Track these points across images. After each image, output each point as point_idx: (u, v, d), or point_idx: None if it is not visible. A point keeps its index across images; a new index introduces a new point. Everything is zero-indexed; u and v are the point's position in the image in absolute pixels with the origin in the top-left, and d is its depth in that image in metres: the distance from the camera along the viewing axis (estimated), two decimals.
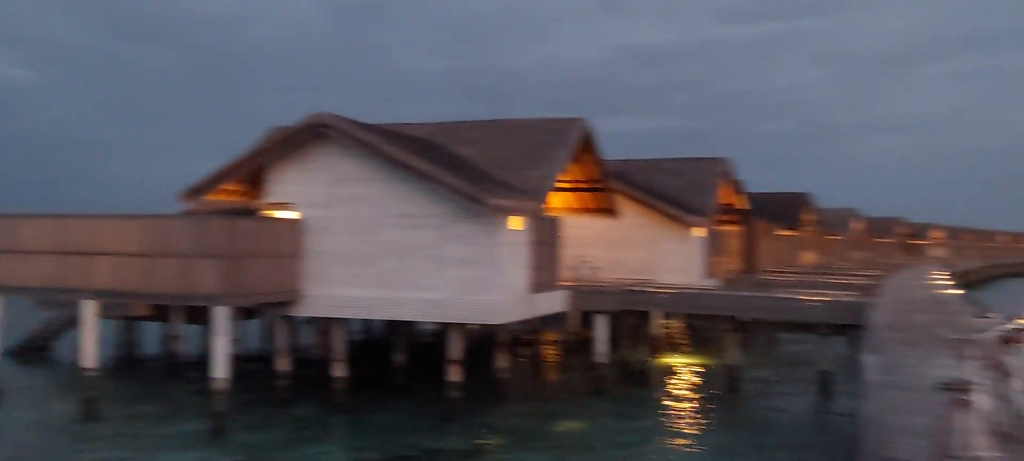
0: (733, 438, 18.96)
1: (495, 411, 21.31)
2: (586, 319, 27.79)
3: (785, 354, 32.49)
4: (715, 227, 36.37)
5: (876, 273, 44.05)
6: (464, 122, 27.98)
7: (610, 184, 29.24)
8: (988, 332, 7.38)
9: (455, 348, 21.06)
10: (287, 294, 21.21)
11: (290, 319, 22.34)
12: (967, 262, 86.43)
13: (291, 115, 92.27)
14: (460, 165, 22.88)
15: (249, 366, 25.73)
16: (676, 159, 38.91)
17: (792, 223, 54.49)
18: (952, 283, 40.48)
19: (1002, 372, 7.99)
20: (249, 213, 21.89)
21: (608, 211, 29.76)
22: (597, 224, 30.99)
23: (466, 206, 20.32)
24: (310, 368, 25.21)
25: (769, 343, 34.59)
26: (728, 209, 41.18)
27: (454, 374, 21.00)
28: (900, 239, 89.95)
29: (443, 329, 22.84)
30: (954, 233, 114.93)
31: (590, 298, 25.44)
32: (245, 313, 25.80)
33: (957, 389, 6.64)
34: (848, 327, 22.99)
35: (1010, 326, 8.03)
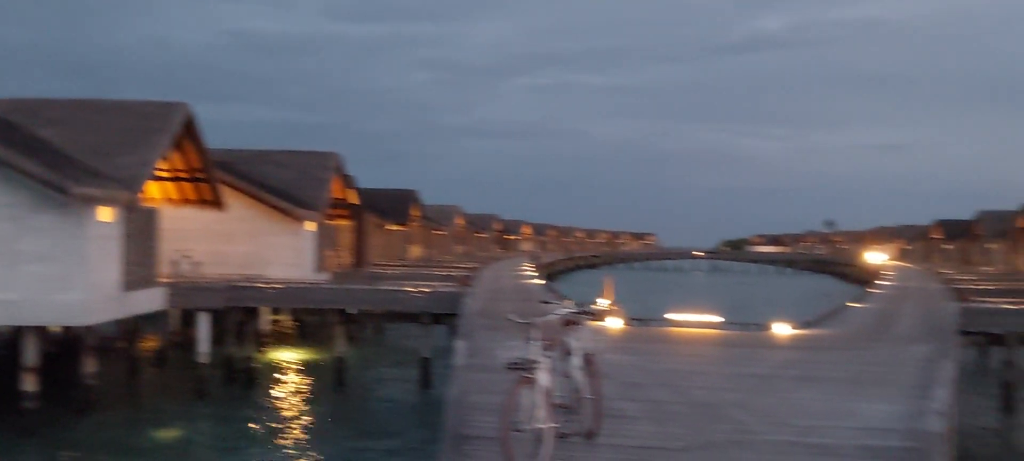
0: (339, 431, 19.27)
1: (80, 423, 19.40)
2: (187, 317, 26.39)
3: (392, 345, 33.70)
4: (326, 221, 36.58)
5: (474, 265, 47.41)
6: (48, 100, 25.10)
7: (215, 175, 28.05)
8: (551, 316, 8.34)
9: (31, 354, 18.82)
10: None
11: None
12: (550, 255, 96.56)
13: None
14: (41, 149, 20.46)
15: None
16: (287, 151, 38.45)
17: (401, 218, 56.62)
18: (536, 274, 44.99)
19: (563, 351, 9.08)
20: None
21: (213, 203, 28.53)
22: (200, 216, 29.55)
23: (46, 195, 18.24)
24: None
25: (377, 334, 35.62)
26: (339, 204, 41.63)
27: (30, 384, 18.76)
28: (496, 234, 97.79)
29: (17, 333, 20.30)
30: (540, 229, 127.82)
31: (191, 295, 24.21)
32: None
33: (521, 368, 7.45)
34: (447, 316, 24.50)
35: (571, 310, 9.16)
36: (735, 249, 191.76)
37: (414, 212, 61.10)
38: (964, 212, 77.37)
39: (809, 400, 11.11)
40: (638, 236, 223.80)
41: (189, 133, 25.41)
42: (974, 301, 26.95)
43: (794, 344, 17.61)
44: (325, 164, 37.11)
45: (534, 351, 7.60)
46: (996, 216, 67.11)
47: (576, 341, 8.87)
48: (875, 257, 71.86)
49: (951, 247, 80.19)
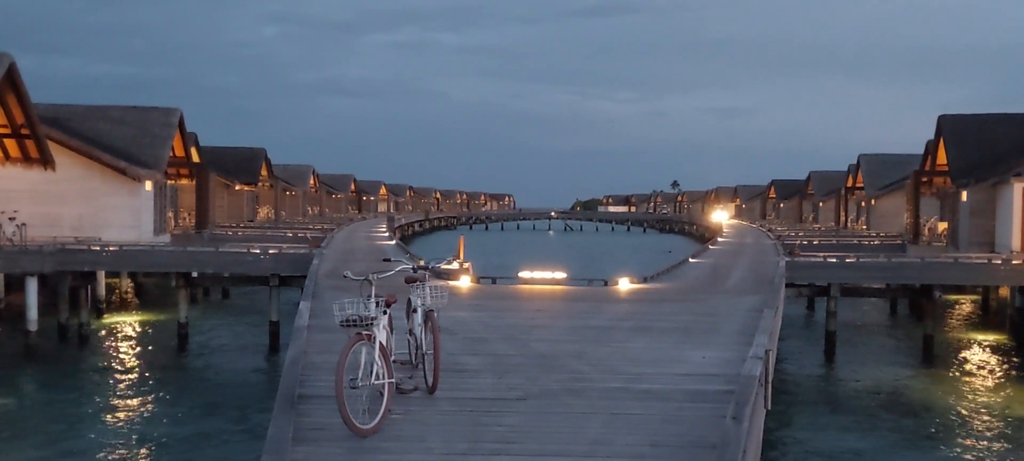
0: (180, 396, 18.65)
1: None
2: (13, 283, 24.77)
3: (240, 308, 32.78)
4: (167, 181, 34.98)
5: (327, 227, 46.63)
6: None
7: (42, 131, 26.28)
8: (389, 273, 8.39)
9: None
10: None
11: None
12: (407, 216, 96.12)
13: None
14: None
15: None
16: (123, 107, 36.45)
17: (249, 178, 54.87)
18: (391, 235, 44.73)
19: (407, 308, 9.15)
20: None
21: (40, 161, 26.75)
22: (26, 176, 27.67)
23: None
24: None
25: (224, 299, 34.55)
26: (181, 162, 39.89)
27: None
28: (351, 195, 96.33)
29: None
30: (397, 190, 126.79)
31: (17, 259, 22.72)
32: None
33: (357, 325, 7.47)
34: (297, 278, 24.05)
35: (410, 267, 9.22)
36: (588, 209, 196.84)
37: (263, 172, 59.30)
38: (798, 173, 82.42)
39: (642, 349, 11.65)
40: (495, 197, 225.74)
41: (11, 85, 23.67)
42: (802, 255, 28.84)
43: (634, 297, 18.36)
44: (165, 121, 35.43)
45: (371, 308, 7.62)
46: (825, 176, 71.84)
47: (418, 298, 8.95)
48: (719, 215, 75.44)
49: (785, 205, 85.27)
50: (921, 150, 41.03)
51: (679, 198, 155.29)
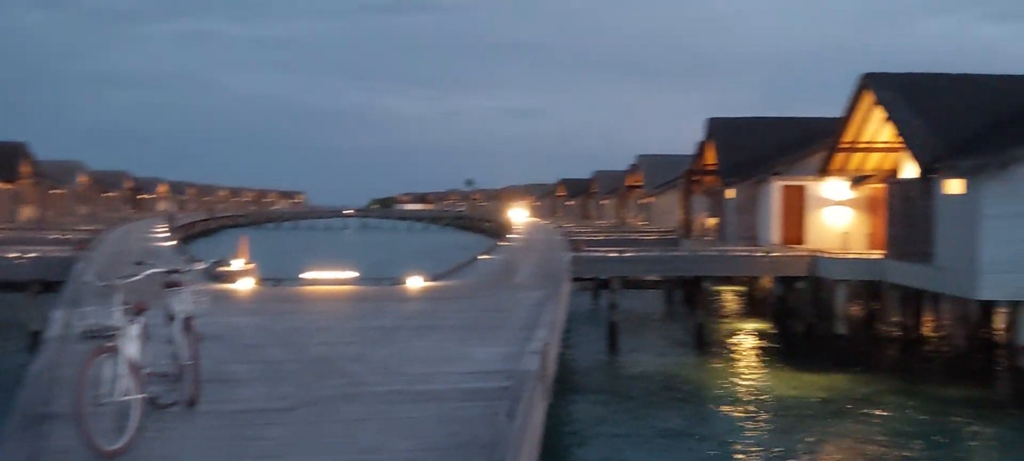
0: None
1: None
2: None
3: None
4: None
5: (97, 228, 43.15)
6: None
7: None
8: (140, 277, 7.65)
9: None
10: None
11: None
12: (190, 215, 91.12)
13: None
14: None
15: None
16: None
17: (7, 175, 49.90)
18: (171, 235, 42.10)
19: (165, 314, 8.42)
20: None
21: None
22: None
23: None
24: None
25: None
26: None
27: None
28: (127, 193, 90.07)
29: None
30: (179, 187, 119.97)
31: None
32: None
33: (99, 336, 6.75)
34: (59, 283, 21.98)
35: (165, 270, 8.49)
36: (384, 207, 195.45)
37: (25, 168, 54.10)
38: (584, 172, 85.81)
39: (426, 349, 11.47)
40: (287, 195, 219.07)
41: None
42: (586, 250, 29.90)
43: (423, 296, 18.20)
44: None
45: (116, 316, 6.91)
46: (609, 175, 75.23)
47: (178, 304, 8.27)
48: (515, 213, 77.11)
49: (572, 203, 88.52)
50: (694, 151, 43.70)
51: (474, 196, 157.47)
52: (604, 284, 26.47)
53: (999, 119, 23.32)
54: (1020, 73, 26.69)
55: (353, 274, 21.72)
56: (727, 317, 32.10)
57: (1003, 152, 19.42)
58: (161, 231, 44.59)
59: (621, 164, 71.14)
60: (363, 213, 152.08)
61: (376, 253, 67.69)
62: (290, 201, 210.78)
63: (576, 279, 25.08)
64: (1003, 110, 23.69)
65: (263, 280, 20.91)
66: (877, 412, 17.98)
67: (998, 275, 19.23)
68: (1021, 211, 19.31)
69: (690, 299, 30.92)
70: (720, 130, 38.34)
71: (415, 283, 20.30)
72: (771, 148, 34.54)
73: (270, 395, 8.76)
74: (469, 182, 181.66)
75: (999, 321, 27.54)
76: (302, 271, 23.16)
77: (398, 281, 20.80)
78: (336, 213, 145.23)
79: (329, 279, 21.04)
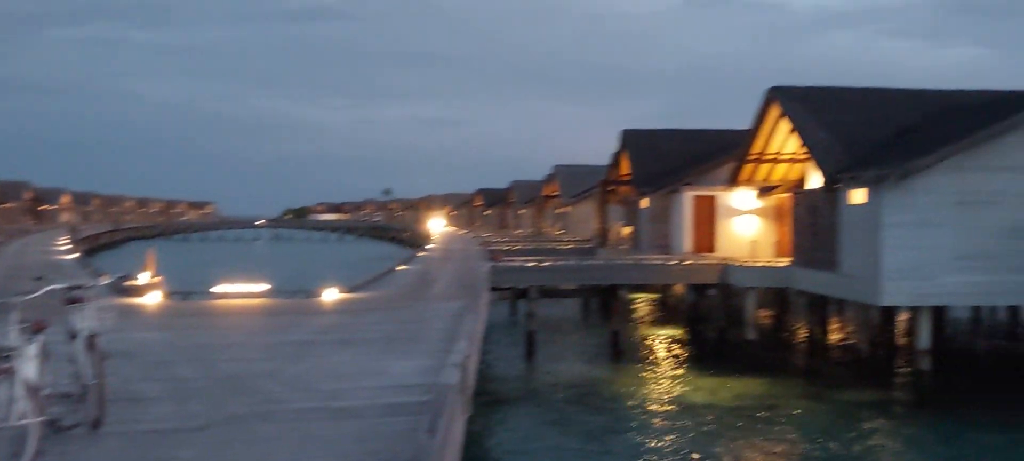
0: None
1: None
2: None
3: None
4: None
5: None
6: None
7: None
8: (38, 293, 7.28)
9: None
10: None
11: None
12: (95, 227, 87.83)
13: None
14: None
15: None
16: None
17: None
18: (73, 248, 40.48)
19: (69, 333, 8.03)
20: None
21: None
22: None
23: None
24: None
25: None
26: None
27: None
28: (27, 204, 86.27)
29: None
30: (83, 198, 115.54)
31: None
32: None
33: None
34: None
35: (65, 286, 8.11)
36: (298, 217, 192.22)
37: None
38: (501, 182, 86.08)
39: (343, 363, 11.26)
40: (197, 205, 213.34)
41: None
42: (504, 260, 29.96)
43: (339, 308, 17.90)
44: None
45: (12, 336, 6.55)
46: (526, 185, 75.68)
47: (80, 321, 7.90)
48: (433, 223, 76.77)
49: (490, 212, 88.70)
50: (609, 161, 44.28)
51: (391, 205, 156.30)
52: (522, 293, 26.57)
53: (899, 131, 24.32)
54: (917, 87, 27.94)
55: (266, 287, 21.21)
56: (642, 324, 32.60)
57: (903, 163, 20.24)
58: (63, 244, 42.82)
59: (538, 174, 71.75)
60: (276, 224, 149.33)
61: (290, 265, 66.45)
62: (200, 212, 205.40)
63: (494, 289, 25.10)
64: (902, 122, 24.72)
65: (171, 294, 20.25)
66: (785, 415, 18.49)
67: (898, 282, 20.01)
68: (919, 220, 20.16)
69: (606, 307, 31.30)
70: (634, 141, 38.98)
71: (330, 296, 19.96)
72: (683, 159, 35.28)
73: (180, 414, 8.45)
74: (386, 192, 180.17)
75: (900, 326, 28.74)
76: (213, 284, 22.51)
77: (313, 294, 20.42)
78: (248, 224, 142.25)
79: (241, 292, 20.50)
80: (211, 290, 20.81)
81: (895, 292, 20.19)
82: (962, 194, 20.13)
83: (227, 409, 8.55)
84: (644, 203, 35.79)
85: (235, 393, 9.25)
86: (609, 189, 42.89)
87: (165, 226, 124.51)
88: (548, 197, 64.30)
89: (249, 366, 10.91)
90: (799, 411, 18.84)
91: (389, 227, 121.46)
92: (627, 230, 40.08)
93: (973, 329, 27.37)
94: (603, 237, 42.38)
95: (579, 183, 56.26)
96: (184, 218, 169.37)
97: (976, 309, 24.72)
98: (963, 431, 17.50)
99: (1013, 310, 31.61)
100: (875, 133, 24.39)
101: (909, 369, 21.78)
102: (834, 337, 28.56)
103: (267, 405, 8.75)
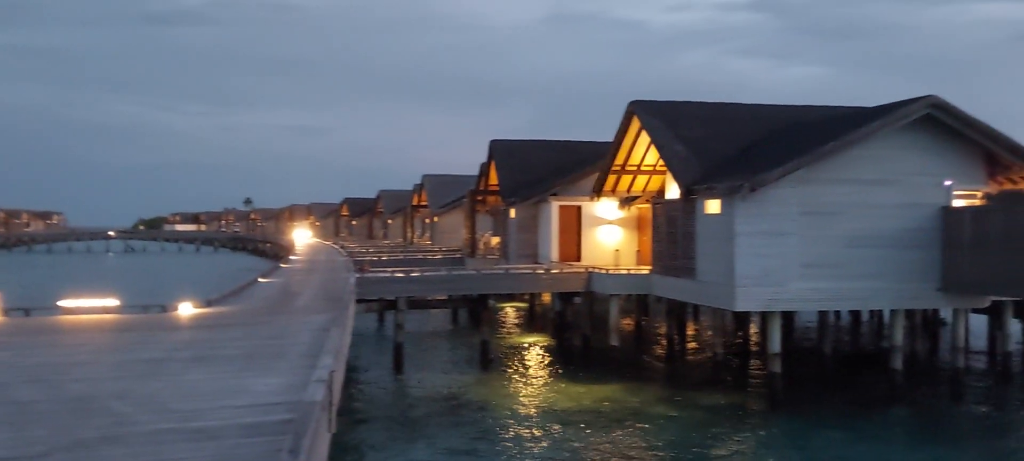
0: None
1: None
2: None
3: None
4: None
5: None
6: None
7: None
8: None
9: None
10: None
11: None
12: None
13: None
14: None
15: None
16: None
17: None
18: None
19: None
20: None
21: None
22: None
23: None
24: None
25: None
26: None
27: None
28: None
29: None
30: None
31: None
32: None
33: None
34: None
35: None
36: (153, 228, 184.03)
37: None
38: (369, 191, 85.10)
39: (200, 381, 10.81)
40: (42, 215, 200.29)
41: None
42: (372, 271, 29.56)
43: (195, 323, 17.19)
44: None
45: None
46: (394, 195, 75.05)
47: None
48: (298, 233, 74.87)
49: (357, 222, 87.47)
50: (477, 171, 44.46)
51: (252, 215, 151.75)
52: (390, 305, 26.25)
53: (749, 144, 25.53)
54: (766, 102, 29.41)
55: (116, 301, 20.15)
56: (510, 333, 32.88)
57: (753, 175, 21.25)
58: None
59: (407, 184, 71.25)
60: (128, 235, 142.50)
61: (143, 279, 63.47)
62: (46, 222, 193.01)
63: (361, 300, 24.72)
64: (753, 136, 25.96)
65: (10, 310, 18.93)
66: (645, 419, 19.05)
67: (751, 288, 20.98)
68: (769, 229, 21.20)
69: (475, 317, 31.39)
70: (502, 152, 39.31)
71: (186, 310, 19.16)
72: (550, 169, 35.85)
73: (18, 441, 7.89)
74: (247, 201, 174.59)
75: (752, 330, 30.14)
76: (58, 299, 21.20)
77: (167, 308, 19.54)
78: (99, 235, 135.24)
79: (89, 307, 19.39)
80: (56, 305, 19.59)
81: (747, 298, 21.14)
82: (807, 205, 21.30)
83: (73, 434, 8.05)
84: (512, 213, 36.15)
85: (82, 416, 8.73)
86: (478, 199, 43.05)
87: (5, 237, 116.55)
88: (417, 207, 63.99)
89: (98, 386, 10.32)
90: (657, 416, 19.44)
91: (250, 238, 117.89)
92: (496, 240, 40.34)
93: (820, 333, 29.04)
94: (472, 247, 42.51)
95: (448, 193, 56.25)
96: (28, 228, 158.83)
97: (822, 314, 26.21)
98: (811, 430, 18.51)
99: (855, 314, 33.86)
100: (728, 146, 25.51)
101: (761, 372, 22.84)
102: (692, 342, 29.65)
103: (117, 428, 8.29)
